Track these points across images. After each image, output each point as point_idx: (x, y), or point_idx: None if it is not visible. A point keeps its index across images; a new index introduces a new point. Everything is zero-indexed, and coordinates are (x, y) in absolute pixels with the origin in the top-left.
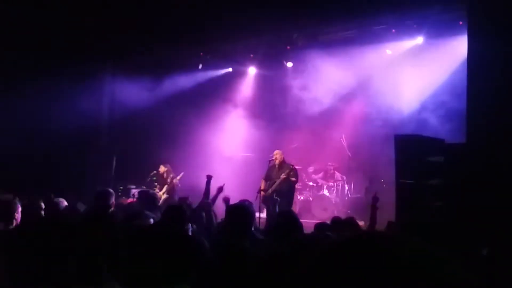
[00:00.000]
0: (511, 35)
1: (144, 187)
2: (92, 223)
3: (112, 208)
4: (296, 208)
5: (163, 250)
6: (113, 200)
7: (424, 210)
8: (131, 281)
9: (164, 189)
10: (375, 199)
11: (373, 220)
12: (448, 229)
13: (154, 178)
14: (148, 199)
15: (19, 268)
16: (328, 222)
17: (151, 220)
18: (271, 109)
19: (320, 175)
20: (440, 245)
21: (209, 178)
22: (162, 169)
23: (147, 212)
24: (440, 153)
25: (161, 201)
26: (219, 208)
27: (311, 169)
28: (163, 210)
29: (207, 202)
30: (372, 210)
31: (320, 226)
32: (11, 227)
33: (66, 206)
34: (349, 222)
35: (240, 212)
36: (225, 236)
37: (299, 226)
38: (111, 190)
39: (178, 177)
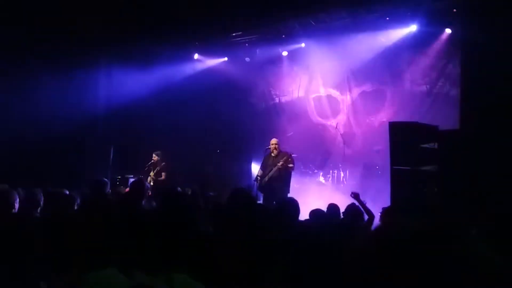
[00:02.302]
0: (504, 23)
1: (142, 176)
2: (88, 212)
3: (108, 197)
4: (292, 195)
5: (159, 237)
6: (108, 189)
7: (418, 195)
8: (129, 267)
9: (150, 178)
10: (356, 196)
11: (369, 213)
12: (441, 213)
13: (152, 168)
14: (135, 187)
15: (18, 258)
16: (324, 209)
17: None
18: (267, 98)
19: (316, 162)
20: (433, 228)
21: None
22: (155, 157)
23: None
24: (434, 140)
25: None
26: None
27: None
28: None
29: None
30: (362, 205)
31: (315, 213)
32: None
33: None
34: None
35: (243, 194)
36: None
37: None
38: (106, 179)
39: (162, 177)
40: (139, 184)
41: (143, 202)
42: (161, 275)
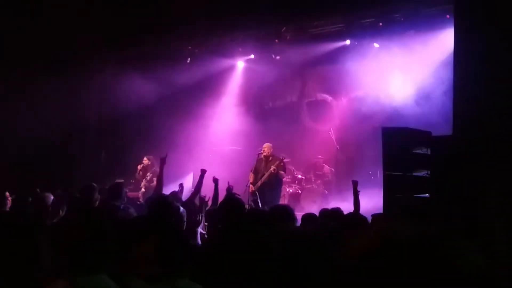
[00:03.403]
0: (497, 28)
1: (133, 181)
2: (76, 218)
3: (97, 202)
4: (285, 200)
5: (155, 243)
6: (97, 194)
7: (411, 201)
8: (122, 273)
9: (143, 183)
10: (355, 183)
11: (356, 204)
12: (433, 219)
13: (141, 173)
14: (111, 189)
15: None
16: (316, 214)
17: (133, 213)
18: (260, 103)
19: (309, 167)
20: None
21: (203, 172)
22: (146, 161)
23: (128, 205)
24: (427, 146)
25: (140, 195)
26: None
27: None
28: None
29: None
30: (355, 194)
31: (307, 218)
32: None
33: (53, 200)
34: (336, 213)
35: (235, 204)
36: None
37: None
38: (95, 185)
39: (153, 183)
40: (116, 188)
41: (121, 206)
42: (163, 282)
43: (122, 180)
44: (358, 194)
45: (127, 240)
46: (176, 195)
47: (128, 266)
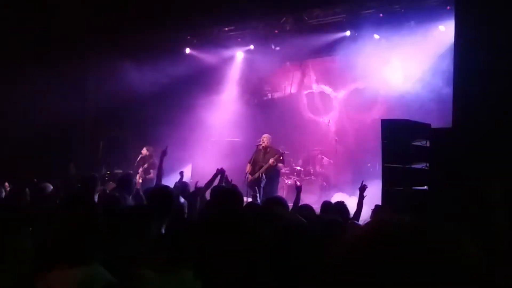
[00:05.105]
0: (498, 20)
1: (131, 172)
2: (74, 208)
3: (97, 193)
4: (283, 192)
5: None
6: (97, 185)
7: (410, 194)
8: (114, 263)
9: (139, 174)
10: (363, 189)
11: (359, 206)
12: (432, 211)
13: (140, 164)
14: (124, 182)
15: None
16: (314, 205)
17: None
18: (259, 94)
19: (308, 159)
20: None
21: (221, 172)
22: (144, 151)
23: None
24: (426, 138)
25: (139, 186)
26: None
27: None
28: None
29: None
30: (360, 198)
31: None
32: None
33: (51, 190)
34: (340, 207)
35: (228, 195)
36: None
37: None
38: (97, 175)
39: (150, 175)
40: (126, 180)
41: (130, 197)
42: (170, 273)
43: (131, 172)
44: (363, 198)
45: (126, 230)
46: (186, 186)
47: (130, 256)
